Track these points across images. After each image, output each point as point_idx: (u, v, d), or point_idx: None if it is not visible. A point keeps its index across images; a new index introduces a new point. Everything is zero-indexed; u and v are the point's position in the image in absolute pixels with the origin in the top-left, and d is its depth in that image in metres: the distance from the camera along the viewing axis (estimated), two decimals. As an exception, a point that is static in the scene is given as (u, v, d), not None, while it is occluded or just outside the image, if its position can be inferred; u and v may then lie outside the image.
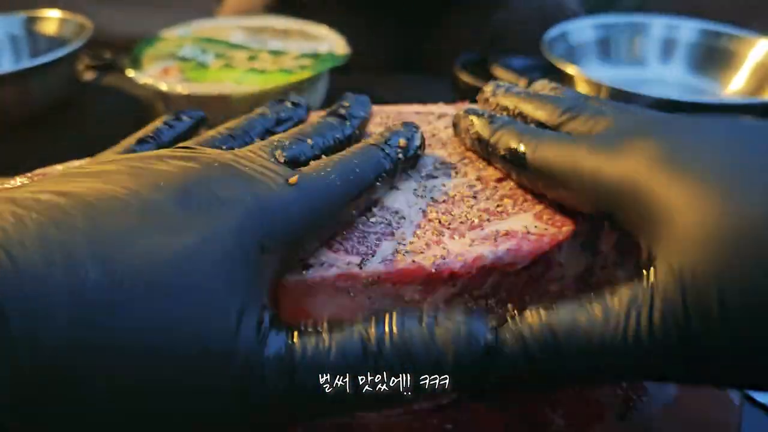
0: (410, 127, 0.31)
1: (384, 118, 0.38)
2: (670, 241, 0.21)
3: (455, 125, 0.34)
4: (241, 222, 0.22)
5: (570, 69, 0.60)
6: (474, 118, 0.32)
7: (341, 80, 0.67)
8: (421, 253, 0.27)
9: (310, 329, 0.21)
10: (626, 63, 0.71)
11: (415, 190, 0.31)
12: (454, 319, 0.21)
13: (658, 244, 0.22)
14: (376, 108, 0.40)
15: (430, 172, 0.32)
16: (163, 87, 0.57)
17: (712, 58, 0.68)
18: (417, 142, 0.31)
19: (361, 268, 0.26)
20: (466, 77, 0.67)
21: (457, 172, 0.32)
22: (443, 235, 0.28)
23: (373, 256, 0.26)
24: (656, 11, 0.73)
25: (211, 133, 0.29)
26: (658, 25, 0.71)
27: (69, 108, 0.66)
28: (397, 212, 0.29)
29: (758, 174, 0.21)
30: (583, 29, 0.70)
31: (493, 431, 0.29)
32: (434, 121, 0.37)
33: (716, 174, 0.21)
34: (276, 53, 0.63)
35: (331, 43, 0.65)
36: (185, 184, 0.22)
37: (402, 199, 0.30)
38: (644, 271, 0.22)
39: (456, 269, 0.26)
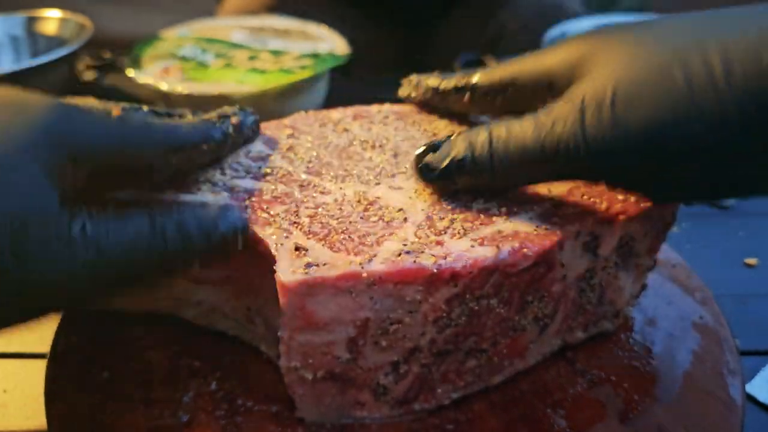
0: (246, 112, 0.34)
1: (384, 118, 0.38)
2: (585, 78, 0.27)
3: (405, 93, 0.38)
4: (50, 120, 0.24)
5: (570, 69, 0.60)
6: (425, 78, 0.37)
7: (341, 80, 0.67)
8: (422, 253, 0.27)
9: (108, 209, 0.24)
10: (626, 63, 0.71)
11: (416, 190, 0.31)
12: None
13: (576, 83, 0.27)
14: (377, 108, 0.40)
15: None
16: (164, 87, 0.57)
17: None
18: (249, 123, 0.33)
19: (362, 268, 0.26)
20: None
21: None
22: (444, 235, 0.28)
23: (374, 256, 0.26)
24: (657, 11, 0.73)
25: None
26: (658, 25, 0.71)
27: (69, 108, 0.66)
28: (399, 211, 0.29)
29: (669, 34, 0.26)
30: (583, 29, 0.70)
31: (494, 431, 0.29)
32: (435, 120, 0.37)
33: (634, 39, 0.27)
34: (276, 53, 0.63)
35: (332, 43, 0.65)
36: None
37: (402, 198, 0.30)
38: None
39: (457, 269, 0.26)
